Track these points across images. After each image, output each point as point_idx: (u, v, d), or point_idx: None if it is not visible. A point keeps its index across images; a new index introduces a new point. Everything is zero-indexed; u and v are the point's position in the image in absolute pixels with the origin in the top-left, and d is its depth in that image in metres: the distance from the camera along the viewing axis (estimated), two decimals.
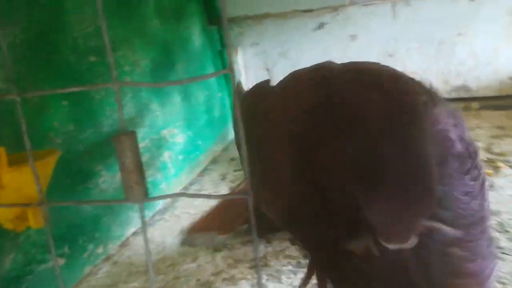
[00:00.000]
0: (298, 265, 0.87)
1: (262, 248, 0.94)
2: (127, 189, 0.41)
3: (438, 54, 1.58)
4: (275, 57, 1.72)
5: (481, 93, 1.58)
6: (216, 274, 0.89)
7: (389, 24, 1.59)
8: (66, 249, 0.90)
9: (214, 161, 1.54)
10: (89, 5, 1.03)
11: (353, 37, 1.63)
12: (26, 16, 0.87)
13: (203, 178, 1.41)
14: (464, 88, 1.60)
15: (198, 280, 0.88)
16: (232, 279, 0.86)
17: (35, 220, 0.65)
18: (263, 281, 0.84)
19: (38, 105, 0.87)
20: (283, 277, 0.85)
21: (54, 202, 0.47)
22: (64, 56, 0.96)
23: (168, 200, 1.26)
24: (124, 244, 1.06)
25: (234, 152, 1.60)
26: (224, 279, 0.87)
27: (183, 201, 1.26)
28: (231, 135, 1.76)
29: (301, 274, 0.81)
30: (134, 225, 1.11)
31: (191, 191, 1.32)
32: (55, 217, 0.87)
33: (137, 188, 0.42)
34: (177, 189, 1.31)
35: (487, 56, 1.54)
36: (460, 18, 1.53)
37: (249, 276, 0.87)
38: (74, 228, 0.92)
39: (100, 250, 0.99)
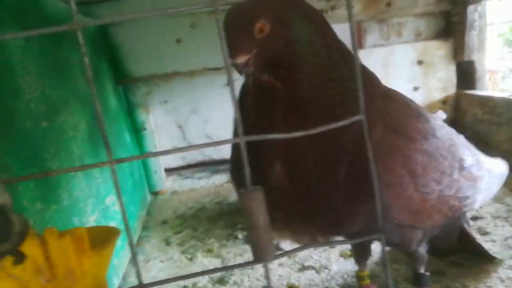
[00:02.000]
0: None
1: None
2: (261, 248, 0.41)
3: None
4: (186, 114, 1.71)
5: None
6: None
7: None
8: None
9: (144, 228, 1.43)
10: (33, 65, 0.90)
11: None
12: None
13: (144, 247, 1.29)
14: None
15: None
16: None
17: None
18: None
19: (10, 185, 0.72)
20: None
21: (156, 282, 0.42)
22: (22, 123, 0.81)
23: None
24: None
25: (160, 216, 1.52)
26: None
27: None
28: (149, 198, 1.66)
29: None
30: None
31: (139, 262, 1.20)
32: None
33: (271, 247, 0.41)
34: (126, 262, 1.18)
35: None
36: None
37: None
38: None
39: None
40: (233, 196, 1.56)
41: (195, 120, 1.71)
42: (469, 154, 0.77)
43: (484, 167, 0.80)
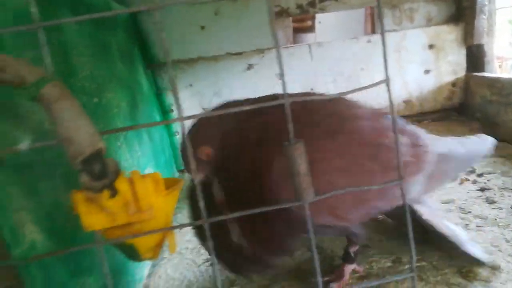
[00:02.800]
0: None
1: None
2: (302, 191, 0.51)
3: (348, 85, 1.89)
4: (210, 96, 1.82)
5: None
6: None
7: (308, 62, 1.85)
8: None
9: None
10: (84, 47, 1.01)
11: (279, 75, 1.84)
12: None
13: (177, 217, 1.41)
14: None
15: None
16: None
17: (173, 244, 0.65)
18: None
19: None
20: None
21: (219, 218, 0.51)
22: (78, 99, 0.92)
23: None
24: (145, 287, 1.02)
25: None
26: None
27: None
28: (177, 175, 1.78)
29: None
30: (146, 266, 1.08)
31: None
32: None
33: (310, 190, 0.52)
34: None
35: (384, 86, 1.91)
36: (361, 55, 1.88)
37: None
38: (115, 272, 0.87)
39: None
40: None
41: (217, 102, 1.81)
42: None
43: (423, 166, 0.80)
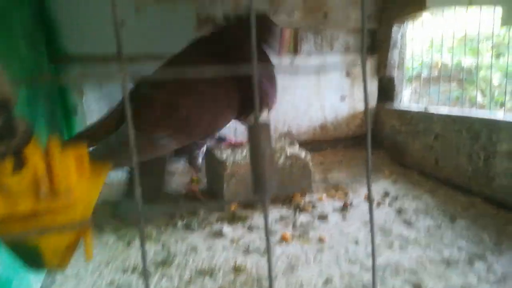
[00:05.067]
0: None
1: None
2: (264, 182, 0.43)
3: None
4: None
5: (301, 138, 1.93)
6: None
7: None
8: None
9: None
10: None
11: None
12: None
13: None
14: (288, 134, 1.92)
15: None
16: None
17: (90, 248, 0.50)
18: None
19: None
20: None
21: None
22: None
23: None
24: None
25: None
26: None
27: None
28: None
29: None
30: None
31: None
32: None
33: (272, 182, 0.44)
34: None
35: (304, 107, 1.91)
36: (285, 76, 1.86)
37: None
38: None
39: None
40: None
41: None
42: None
43: None
